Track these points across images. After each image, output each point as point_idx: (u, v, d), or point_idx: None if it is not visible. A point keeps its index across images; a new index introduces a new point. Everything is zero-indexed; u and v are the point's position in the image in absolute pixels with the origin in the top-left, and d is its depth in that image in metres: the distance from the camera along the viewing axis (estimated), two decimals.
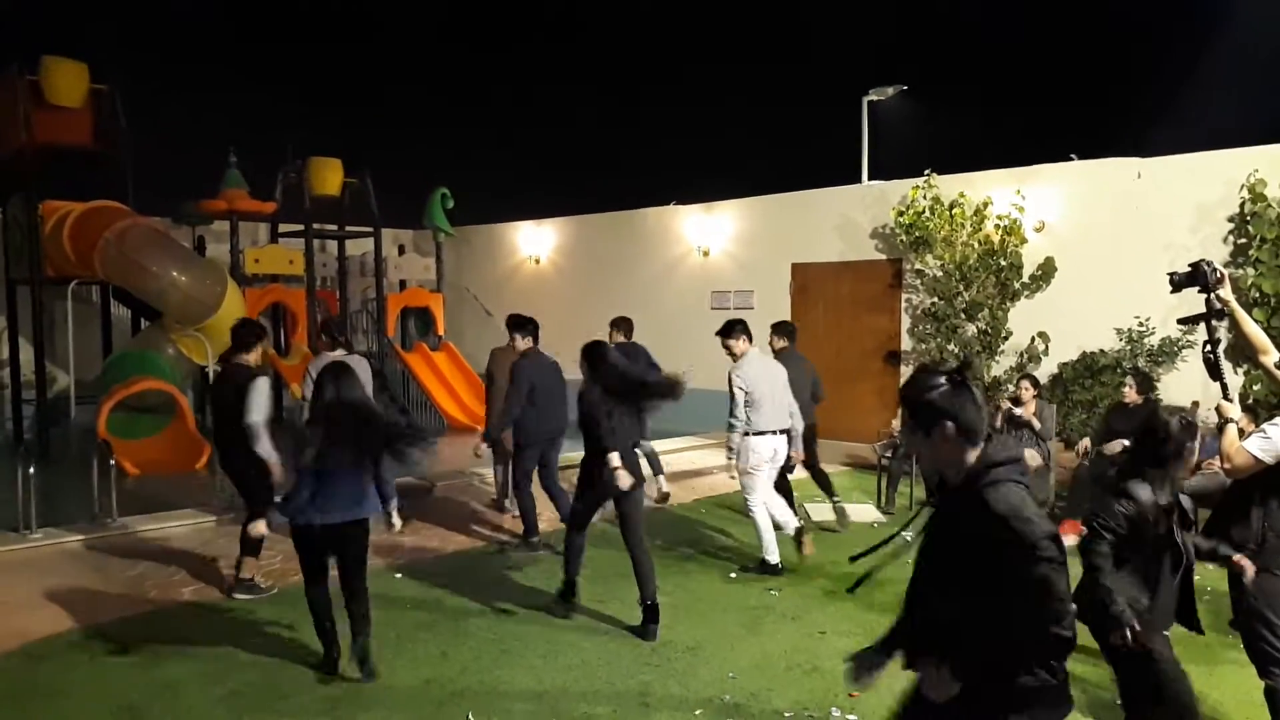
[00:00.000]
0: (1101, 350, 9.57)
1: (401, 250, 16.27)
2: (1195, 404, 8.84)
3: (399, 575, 6.60)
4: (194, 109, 17.82)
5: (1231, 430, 3.81)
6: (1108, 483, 4.18)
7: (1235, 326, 3.94)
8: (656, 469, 8.76)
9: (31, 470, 7.24)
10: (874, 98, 13.47)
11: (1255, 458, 3.72)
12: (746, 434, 6.61)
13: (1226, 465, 3.82)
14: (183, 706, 4.50)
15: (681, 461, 10.68)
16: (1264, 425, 3.83)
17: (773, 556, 6.62)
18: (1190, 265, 3.91)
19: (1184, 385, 8.90)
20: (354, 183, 14.07)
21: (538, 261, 15.83)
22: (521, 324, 7.31)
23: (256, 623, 5.62)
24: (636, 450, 5.91)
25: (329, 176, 13.78)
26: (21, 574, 6.52)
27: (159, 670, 4.90)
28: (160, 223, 12.65)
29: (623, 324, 8.71)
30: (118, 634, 5.45)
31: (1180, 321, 4.23)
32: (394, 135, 20.54)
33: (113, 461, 7.67)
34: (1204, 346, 3.92)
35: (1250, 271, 8.64)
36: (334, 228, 14.32)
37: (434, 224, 14.73)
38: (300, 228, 13.59)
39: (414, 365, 14.16)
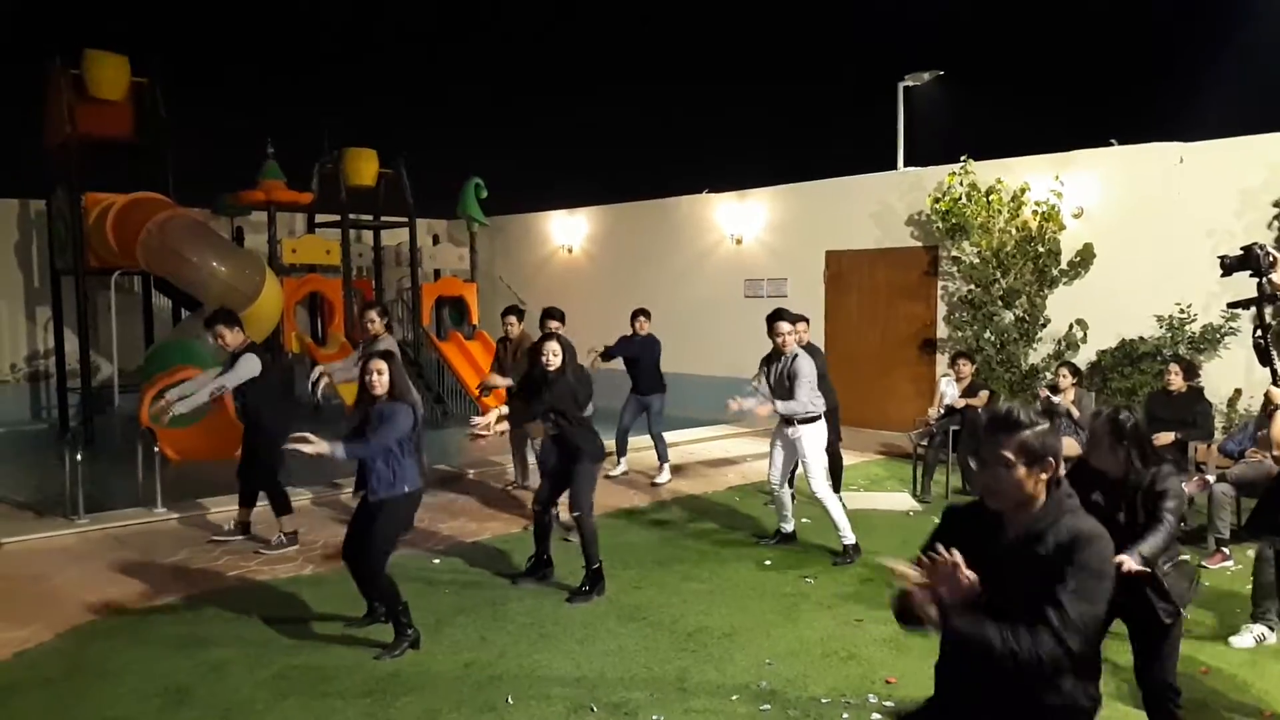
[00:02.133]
0: (1141, 337, 9.44)
1: (436, 240, 16.38)
2: (1238, 391, 8.73)
3: (437, 560, 6.67)
4: (232, 101, 18.03)
5: None
6: None
7: None
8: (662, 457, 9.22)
9: (78, 457, 7.41)
10: (909, 83, 13.32)
11: None
12: (816, 418, 6.65)
13: (1276, 453, 3.76)
14: (229, 688, 4.59)
15: (714, 450, 10.69)
16: None
17: (851, 536, 6.62)
18: (1243, 248, 3.86)
19: (1226, 372, 8.77)
20: (389, 173, 14.19)
21: (570, 251, 15.85)
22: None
23: (301, 606, 5.71)
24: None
25: (364, 167, 13.91)
26: (70, 558, 6.67)
27: (205, 652, 5.00)
28: (200, 214, 12.83)
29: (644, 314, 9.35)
30: (165, 617, 5.56)
31: (1230, 306, 4.17)
32: (428, 125, 20.66)
33: (156, 449, 7.80)
34: (1254, 332, 3.87)
35: None
36: (369, 218, 14.45)
37: (468, 214, 14.80)
38: (336, 218, 13.73)
39: (448, 354, 14.26)
